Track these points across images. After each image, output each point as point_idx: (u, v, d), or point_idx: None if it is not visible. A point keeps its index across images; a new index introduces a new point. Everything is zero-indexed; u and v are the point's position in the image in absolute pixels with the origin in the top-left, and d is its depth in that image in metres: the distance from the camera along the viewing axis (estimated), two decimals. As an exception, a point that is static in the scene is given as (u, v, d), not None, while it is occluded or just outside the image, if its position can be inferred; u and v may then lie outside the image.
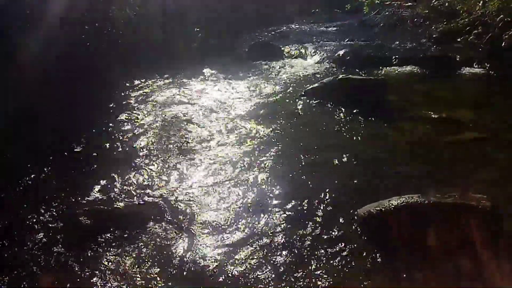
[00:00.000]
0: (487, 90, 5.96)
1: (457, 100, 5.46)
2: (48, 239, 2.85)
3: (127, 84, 6.44)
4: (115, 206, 3.22)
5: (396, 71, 7.13)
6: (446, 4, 10.62)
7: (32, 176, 3.66)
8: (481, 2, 8.82)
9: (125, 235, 2.89)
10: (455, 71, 6.89)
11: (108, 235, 2.89)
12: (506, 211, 2.79)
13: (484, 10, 8.68)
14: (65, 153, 4.11)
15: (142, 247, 2.78)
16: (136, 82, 6.57)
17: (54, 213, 3.13)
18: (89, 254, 2.71)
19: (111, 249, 2.76)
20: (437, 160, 3.81)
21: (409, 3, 11.15)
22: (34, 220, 3.05)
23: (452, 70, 6.92)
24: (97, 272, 2.56)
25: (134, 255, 2.70)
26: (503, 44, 7.42)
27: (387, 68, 7.29)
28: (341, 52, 7.96)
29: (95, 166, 3.88)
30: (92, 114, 5.15)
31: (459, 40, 8.72)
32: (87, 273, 2.55)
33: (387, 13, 11.85)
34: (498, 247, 2.52)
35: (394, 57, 7.69)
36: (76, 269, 2.59)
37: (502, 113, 4.86)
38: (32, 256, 2.71)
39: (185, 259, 2.66)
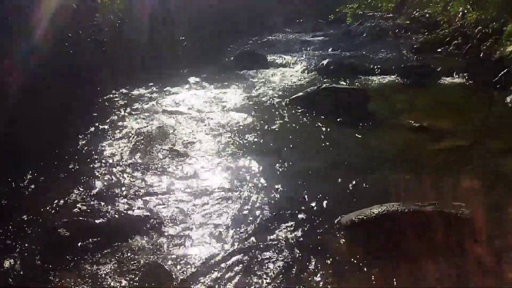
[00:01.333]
0: (467, 99, 6.10)
1: (438, 109, 5.58)
2: (27, 252, 2.79)
3: (112, 93, 6.39)
4: (97, 217, 3.16)
5: (378, 81, 7.26)
6: (427, 15, 10.91)
7: (11, 186, 3.59)
8: (460, 13, 9.08)
9: (107, 247, 2.84)
10: (436, 80, 7.05)
11: (89, 247, 2.83)
12: (485, 218, 2.85)
13: (463, 21, 8.94)
14: (47, 163, 4.03)
15: (124, 259, 2.74)
16: (122, 91, 6.54)
17: (33, 224, 3.06)
18: (68, 267, 2.66)
19: (92, 262, 2.70)
20: (418, 168, 3.86)
21: (391, 15, 11.43)
22: (12, 231, 2.98)
23: (432, 79, 7.07)
24: (76, 285, 2.51)
25: (115, 268, 2.65)
26: (481, 54, 7.65)
27: (370, 77, 7.42)
28: (324, 62, 8.08)
29: (78, 176, 3.82)
30: (76, 123, 5.08)
31: (439, 50, 8.94)
32: (66, 285, 2.50)
33: (369, 24, 12.11)
34: (477, 253, 2.57)
35: (376, 67, 7.85)
36: (55, 281, 2.53)
37: (481, 122, 4.97)
38: (9, 269, 2.64)
39: (169, 271, 2.63)
